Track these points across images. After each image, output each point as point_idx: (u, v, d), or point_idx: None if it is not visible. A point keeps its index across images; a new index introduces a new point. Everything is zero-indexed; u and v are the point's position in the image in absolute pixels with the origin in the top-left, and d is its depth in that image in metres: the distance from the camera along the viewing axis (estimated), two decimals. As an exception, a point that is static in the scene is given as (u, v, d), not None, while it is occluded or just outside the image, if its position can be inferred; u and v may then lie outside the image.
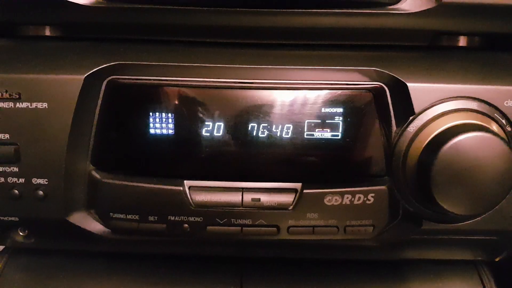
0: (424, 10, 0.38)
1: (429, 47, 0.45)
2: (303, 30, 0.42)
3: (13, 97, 0.40)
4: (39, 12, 0.41)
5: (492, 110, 0.41)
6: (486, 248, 0.47)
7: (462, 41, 0.45)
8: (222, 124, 0.42)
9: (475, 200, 0.39)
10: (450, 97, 0.40)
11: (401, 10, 0.39)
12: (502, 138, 0.39)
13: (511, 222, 0.43)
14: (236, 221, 0.42)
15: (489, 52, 0.45)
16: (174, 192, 0.42)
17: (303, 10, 0.39)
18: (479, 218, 0.42)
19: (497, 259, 0.48)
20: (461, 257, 0.49)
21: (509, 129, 0.41)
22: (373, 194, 0.42)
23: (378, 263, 0.50)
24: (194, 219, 0.42)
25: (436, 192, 0.39)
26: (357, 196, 0.42)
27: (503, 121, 0.41)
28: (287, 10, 0.39)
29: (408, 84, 0.40)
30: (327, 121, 0.42)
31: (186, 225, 0.42)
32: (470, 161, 0.38)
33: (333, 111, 0.42)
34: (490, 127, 0.41)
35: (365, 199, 0.42)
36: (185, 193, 0.42)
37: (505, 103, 0.41)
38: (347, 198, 0.42)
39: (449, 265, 0.50)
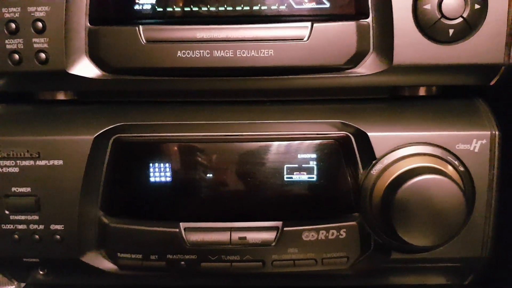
0: (378, 72, 0.45)
1: (391, 98, 0.51)
2: (281, 90, 0.49)
3: (33, 156, 0.47)
4: (54, 82, 0.48)
5: (445, 153, 0.47)
6: (453, 273, 0.52)
7: (422, 91, 0.51)
8: (212, 172, 0.48)
9: (432, 233, 0.44)
10: (407, 143, 0.47)
11: (358, 73, 0.45)
12: (453, 180, 0.44)
13: (470, 250, 0.48)
14: (226, 258, 0.48)
15: (444, 100, 0.51)
16: (171, 233, 0.48)
17: (281, 77, 0.46)
18: (441, 248, 0.48)
19: (465, 283, 0.53)
20: (433, 282, 0.54)
21: (461, 168, 0.47)
22: (345, 230, 0.48)
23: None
24: (190, 257, 0.48)
25: (398, 227, 0.44)
26: (331, 231, 0.48)
27: (456, 162, 0.47)
28: (268, 77, 0.46)
29: (369, 134, 0.46)
30: (303, 165, 0.48)
31: (183, 262, 0.48)
32: (426, 200, 0.44)
33: (307, 157, 0.48)
34: (444, 169, 0.46)
35: (338, 234, 0.48)
36: (181, 234, 0.48)
37: (456, 147, 0.47)
38: (322, 234, 0.48)
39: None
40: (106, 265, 0.50)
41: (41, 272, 0.53)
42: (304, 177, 0.48)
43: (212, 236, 0.48)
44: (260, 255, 0.48)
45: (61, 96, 0.52)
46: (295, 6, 0.44)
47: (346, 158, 0.48)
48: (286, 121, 0.48)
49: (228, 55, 0.44)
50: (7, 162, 0.47)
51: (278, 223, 0.48)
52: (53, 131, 0.48)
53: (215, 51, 0.44)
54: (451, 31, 0.43)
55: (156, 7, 0.45)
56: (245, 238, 0.48)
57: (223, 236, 0.48)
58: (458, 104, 0.50)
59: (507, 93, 0.50)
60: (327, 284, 0.52)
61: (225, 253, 0.48)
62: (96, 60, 0.46)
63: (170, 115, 0.49)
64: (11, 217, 0.48)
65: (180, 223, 0.48)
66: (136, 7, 0.45)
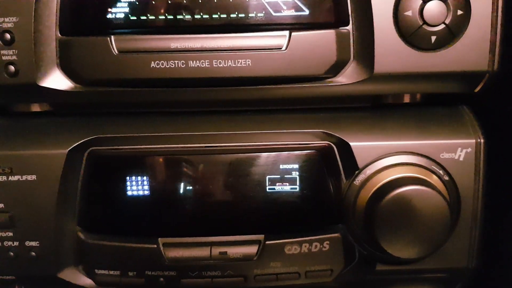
0: (359, 81, 0.44)
1: (374, 106, 0.50)
2: (260, 100, 0.47)
3: (6, 171, 0.46)
4: (25, 95, 0.47)
5: (429, 162, 0.46)
6: (440, 283, 0.51)
7: (406, 98, 0.50)
8: (191, 184, 0.47)
9: (416, 245, 0.43)
10: (390, 153, 0.46)
11: (338, 83, 0.44)
12: (437, 190, 0.43)
13: (456, 260, 0.47)
14: (206, 273, 0.47)
15: (428, 107, 0.49)
16: (150, 249, 0.47)
17: (259, 87, 0.45)
18: (425, 259, 0.47)
19: (453, 292, 0.53)
20: (420, 292, 0.53)
21: (446, 178, 0.46)
22: (328, 242, 0.47)
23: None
24: (169, 273, 0.47)
25: (381, 239, 0.43)
26: (314, 244, 0.47)
27: (440, 171, 0.46)
28: (246, 87, 0.45)
29: (351, 144, 0.45)
30: (285, 176, 0.47)
31: (162, 278, 0.47)
32: (410, 211, 0.43)
33: (290, 167, 0.47)
34: (428, 178, 0.45)
35: (321, 246, 0.47)
36: (159, 250, 0.46)
37: (440, 156, 0.46)
38: (305, 246, 0.47)
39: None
40: (84, 281, 0.49)
41: (18, 289, 0.52)
42: (286, 188, 0.47)
43: (192, 252, 0.47)
44: (241, 270, 0.47)
45: (36, 108, 0.51)
46: (274, 14, 0.43)
47: (328, 168, 0.47)
48: (267, 131, 0.47)
49: (204, 65, 0.43)
50: (-21, 178, 0.46)
51: (260, 237, 0.47)
52: (25, 145, 0.46)
53: (190, 61, 0.43)
54: (433, 38, 0.42)
55: (129, 16, 0.43)
56: (225, 253, 0.47)
57: (203, 252, 0.47)
58: (443, 111, 0.49)
59: (492, 100, 0.49)
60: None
61: (206, 268, 0.47)
62: (68, 71, 0.44)
63: (146, 127, 0.47)
64: (-15, 234, 0.47)
65: (159, 239, 0.47)
66: (109, 16, 0.43)
